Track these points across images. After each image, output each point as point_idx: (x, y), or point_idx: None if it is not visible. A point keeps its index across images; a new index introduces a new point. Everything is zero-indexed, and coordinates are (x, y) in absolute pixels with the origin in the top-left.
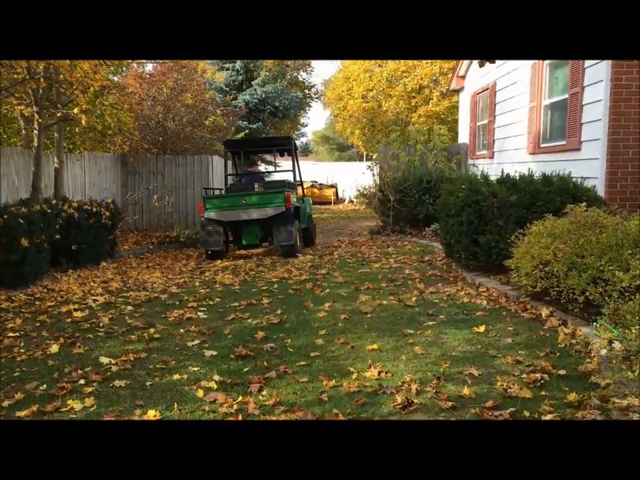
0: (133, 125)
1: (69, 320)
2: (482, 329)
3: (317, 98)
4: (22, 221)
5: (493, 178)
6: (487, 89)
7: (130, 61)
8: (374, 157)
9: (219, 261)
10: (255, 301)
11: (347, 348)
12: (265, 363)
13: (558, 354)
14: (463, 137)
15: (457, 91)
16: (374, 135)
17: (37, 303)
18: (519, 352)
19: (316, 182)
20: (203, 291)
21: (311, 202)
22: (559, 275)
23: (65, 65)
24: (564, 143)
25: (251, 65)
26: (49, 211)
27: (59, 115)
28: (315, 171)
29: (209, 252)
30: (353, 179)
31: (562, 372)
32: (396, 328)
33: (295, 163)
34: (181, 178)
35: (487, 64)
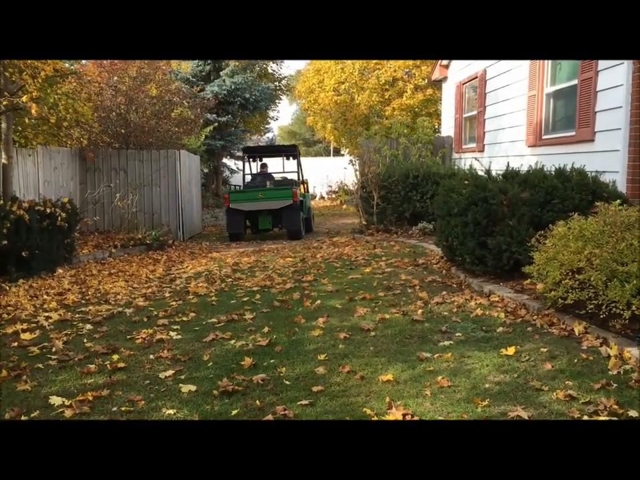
0: (91, 117)
1: (15, 344)
2: (511, 350)
3: (287, 91)
4: None
5: (480, 172)
6: (475, 77)
7: None
8: (346, 152)
9: (190, 267)
10: (237, 316)
11: (355, 379)
12: (257, 401)
13: (615, 385)
14: (447, 129)
15: (440, 81)
16: (346, 128)
17: None
18: (566, 383)
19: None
20: (174, 303)
21: (310, 196)
22: (597, 285)
23: None
24: (573, 133)
25: None
26: None
27: (5, 103)
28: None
29: (233, 234)
30: (323, 174)
31: (633, 413)
32: (408, 350)
33: (299, 165)
34: (145, 174)
35: None
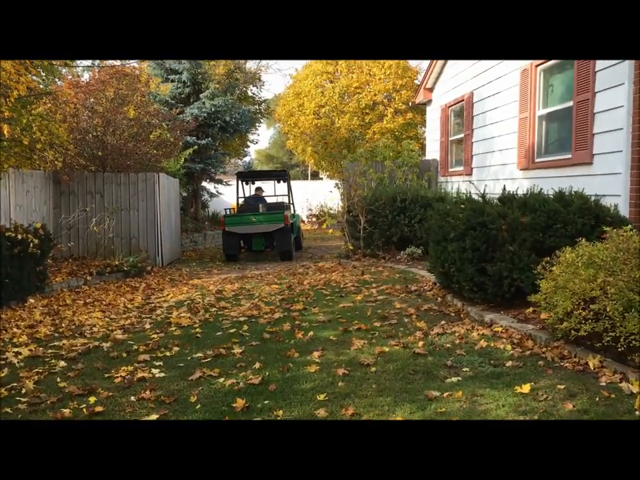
0: (67, 139)
1: None
2: (526, 388)
3: (267, 114)
4: None
5: (474, 196)
6: (462, 100)
7: (62, 67)
8: (326, 175)
9: (171, 295)
10: (224, 350)
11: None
12: None
13: None
14: (432, 152)
15: (424, 104)
16: (327, 152)
17: None
18: None
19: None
20: (155, 336)
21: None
22: (614, 316)
23: None
24: (569, 156)
25: (199, 77)
26: None
27: None
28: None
29: (229, 254)
30: (302, 198)
31: None
32: (414, 387)
33: (289, 188)
34: (123, 198)
35: (462, 72)
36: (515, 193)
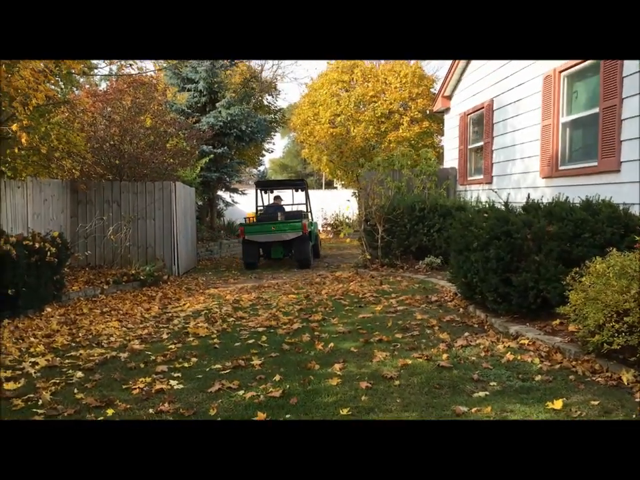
0: (84, 147)
1: None
2: (559, 404)
3: (282, 123)
4: None
5: (496, 205)
6: (481, 108)
7: (80, 75)
8: (340, 184)
9: (188, 304)
10: (243, 362)
11: None
12: None
13: None
14: (450, 161)
15: (442, 113)
16: (342, 161)
17: None
18: None
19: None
20: (173, 346)
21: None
22: None
23: (0, 72)
24: (594, 164)
25: (215, 86)
26: None
27: None
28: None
29: (248, 263)
30: (317, 207)
31: None
32: (440, 402)
33: (307, 196)
34: (139, 207)
35: (481, 80)
36: (539, 201)
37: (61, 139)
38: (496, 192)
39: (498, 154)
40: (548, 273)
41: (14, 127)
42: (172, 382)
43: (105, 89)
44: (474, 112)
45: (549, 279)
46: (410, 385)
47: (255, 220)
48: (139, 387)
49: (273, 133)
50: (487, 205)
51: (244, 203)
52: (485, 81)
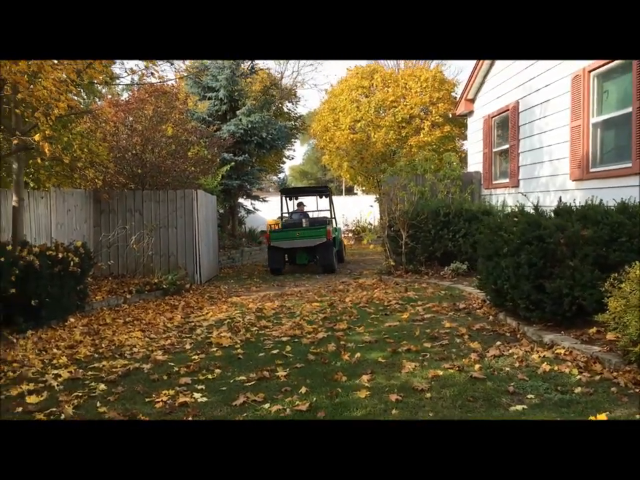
0: (107, 157)
1: (20, 409)
2: (602, 418)
3: (302, 130)
4: None
5: (525, 209)
6: (507, 110)
7: (101, 85)
8: (360, 190)
9: (210, 313)
10: (268, 373)
11: None
12: None
13: None
14: (474, 165)
15: (464, 116)
16: (363, 167)
17: None
18: None
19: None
20: (196, 357)
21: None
22: None
23: (22, 82)
24: (629, 165)
25: (235, 94)
26: (1, 259)
27: (15, 142)
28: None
29: (274, 268)
30: (338, 213)
31: None
32: (475, 416)
33: (331, 203)
34: (162, 215)
35: (506, 82)
36: (571, 204)
37: (83, 148)
38: (525, 195)
39: (525, 157)
40: (583, 279)
41: (36, 137)
42: (196, 395)
43: (127, 99)
44: (498, 114)
45: (585, 285)
46: (442, 398)
47: (278, 227)
48: (162, 400)
49: (293, 140)
50: (515, 209)
51: (265, 210)
52: (510, 83)
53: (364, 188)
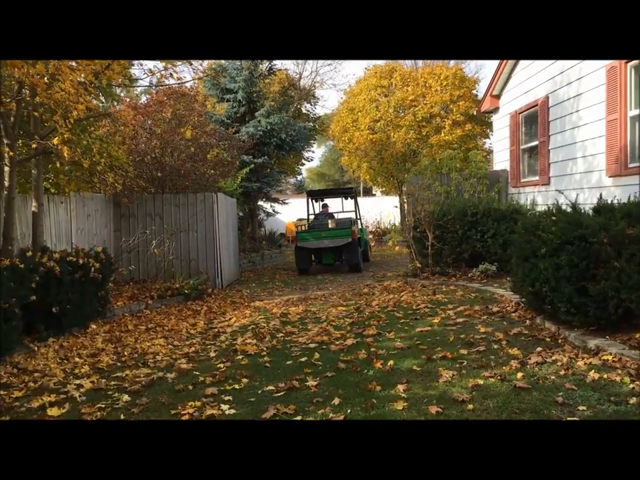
0: (126, 161)
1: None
2: None
3: (321, 130)
4: None
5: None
6: (535, 105)
7: (121, 89)
8: (379, 191)
9: (234, 319)
10: (297, 383)
11: None
12: None
13: None
14: (500, 163)
15: (490, 113)
16: (383, 167)
17: (1, 392)
18: None
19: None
20: (222, 365)
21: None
22: None
23: (40, 84)
24: None
25: (254, 95)
26: (21, 266)
27: (34, 146)
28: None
29: (301, 268)
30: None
31: None
32: None
33: (356, 204)
34: (182, 219)
35: (534, 76)
36: (613, 201)
37: (102, 152)
38: (562, 192)
39: (556, 153)
40: (630, 281)
41: (55, 140)
42: (223, 406)
43: (146, 102)
44: (526, 110)
45: (632, 287)
46: (486, 410)
47: (303, 228)
48: (188, 412)
49: (312, 141)
50: (547, 208)
51: (283, 213)
52: (539, 77)
53: (383, 189)
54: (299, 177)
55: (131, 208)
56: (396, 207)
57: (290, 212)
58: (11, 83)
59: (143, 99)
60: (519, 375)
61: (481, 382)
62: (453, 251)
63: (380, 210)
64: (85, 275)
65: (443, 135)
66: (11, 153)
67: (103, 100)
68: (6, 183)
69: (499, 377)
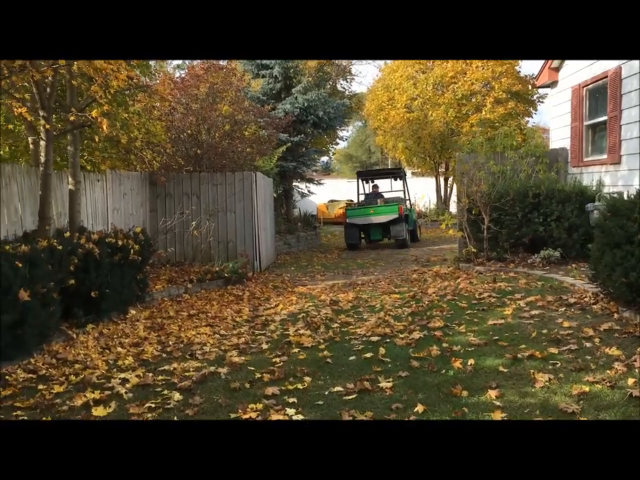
0: (164, 137)
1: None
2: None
3: (357, 109)
4: (20, 265)
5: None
6: (605, 77)
7: (154, 62)
8: (410, 172)
9: (280, 306)
10: (368, 383)
11: None
12: None
13: None
14: (558, 141)
15: (547, 87)
16: (420, 147)
17: (40, 386)
18: None
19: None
20: (277, 359)
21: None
22: None
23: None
24: None
25: (291, 71)
26: (59, 247)
27: (72, 119)
28: (349, 189)
29: (350, 244)
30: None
31: None
32: None
33: (405, 184)
34: (219, 199)
35: None
36: None
37: (140, 128)
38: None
39: (628, 129)
40: None
41: (94, 112)
42: (289, 410)
43: (182, 76)
44: (592, 83)
45: None
46: None
47: (350, 206)
48: (250, 417)
49: (347, 120)
50: (615, 189)
51: (320, 194)
52: None
53: (418, 170)
54: (324, 159)
55: (167, 187)
56: (449, 186)
57: (321, 193)
58: None
59: (178, 74)
60: (630, 380)
61: (586, 388)
62: (511, 235)
63: (414, 192)
64: (124, 257)
65: (484, 113)
66: (47, 126)
67: (138, 73)
68: (42, 159)
69: (607, 383)
